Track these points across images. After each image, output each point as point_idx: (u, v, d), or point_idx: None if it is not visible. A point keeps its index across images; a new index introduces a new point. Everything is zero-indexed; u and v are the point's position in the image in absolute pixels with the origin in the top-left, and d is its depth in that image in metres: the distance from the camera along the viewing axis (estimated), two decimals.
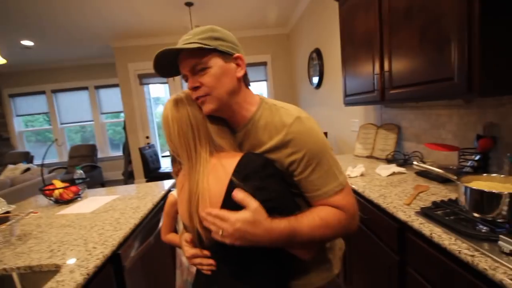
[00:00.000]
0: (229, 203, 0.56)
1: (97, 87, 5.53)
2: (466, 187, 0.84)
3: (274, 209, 0.58)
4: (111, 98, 5.60)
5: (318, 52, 3.15)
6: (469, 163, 1.17)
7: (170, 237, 1.23)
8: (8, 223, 1.05)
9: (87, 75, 5.42)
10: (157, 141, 5.09)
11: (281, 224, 0.56)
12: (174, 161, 1.29)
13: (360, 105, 2.13)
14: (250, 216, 0.54)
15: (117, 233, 1.05)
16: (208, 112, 0.65)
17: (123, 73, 4.55)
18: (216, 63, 0.63)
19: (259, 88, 4.84)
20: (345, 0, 1.80)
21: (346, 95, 1.95)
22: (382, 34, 1.42)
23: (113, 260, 0.96)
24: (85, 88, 5.50)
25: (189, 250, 0.69)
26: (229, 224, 0.54)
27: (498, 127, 1.12)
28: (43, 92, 5.46)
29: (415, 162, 1.12)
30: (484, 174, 0.88)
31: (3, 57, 2.33)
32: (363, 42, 1.62)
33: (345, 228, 0.63)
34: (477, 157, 1.12)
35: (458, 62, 0.96)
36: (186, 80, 0.67)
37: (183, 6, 3.20)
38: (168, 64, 0.67)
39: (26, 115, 5.65)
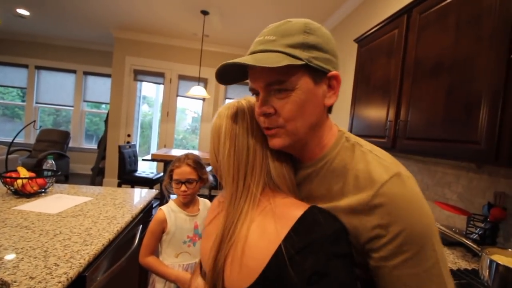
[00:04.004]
0: (270, 280, 0.40)
1: (86, 73, 5.23)
2: (492, 262, 0.78)
3: None
4: (99, 87, 5.30)
5: None
6: (477, 231, 1.13)
7: (150, 261, 1.06)
8: None
9: (78, 58, 5.13)
10: (138, 141, 4.81)
11: None
12: (169, 173, 1.15)
13: None
14: None
15: (86, 249, 0.87)
16: (276, 147, 0.49)
17: (118, 64, 4.34)
18: (303, 84, 0.45)
19: None
20: (366, 43, 1.82)
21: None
22: (402, 83, 1.42)
23: (76, 284, 0.77)
24: (73, 71, 5.18)
25: None
26: None
27: (510, 198, 1.10)
28: (25, 66, 5.06)
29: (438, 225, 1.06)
30: (510, 249, 0.83)
31: None
32: (380, 87, 1.62)
33: None
34: (488, 226, 1.09)
35: (487, 128, 0.94)
36: (254, 94, 0.51)
37: (198, 13, 3.16)
38: (232, 69, 0.50)
39: (1, 86, 5.18)
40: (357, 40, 1.94)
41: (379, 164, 0.45)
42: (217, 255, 0.46)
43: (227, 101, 3.79)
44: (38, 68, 5.10)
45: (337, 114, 2.75)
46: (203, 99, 4.62)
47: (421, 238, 0.40)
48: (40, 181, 1.36)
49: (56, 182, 1.57)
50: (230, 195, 0.49)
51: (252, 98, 0.55)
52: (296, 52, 0.44)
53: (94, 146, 5.38)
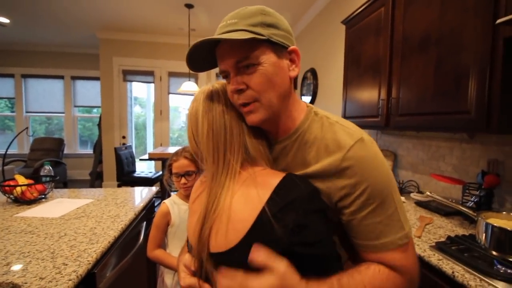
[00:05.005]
0: (256, 236, 0.44)
1: (74, 78, 5.14)
2: (487, 224, 0.81)
3: (312, 258, 0.45)
4: (89, 91, 5.23)
5: (313, 71, 3.18)
6: (472, 199, 1.16)
7: (158, 254, 1.08)
8: None
9: (64, 63, 5.04)
10: (133, 142, 4.79)
11: None
12: (168, 167, 1.16)
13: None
14: (278, 283, 0.40)
15: (93, 247, 0.88)
16: (254, 123, 0.52)
17: (106, 66, 4.28)
18: (268, 58, 0.49)
19: None
20: (354, 24, 1.82)
21: (345, 117, 1.93)
22: (392, 60, 1.42)
23: (86, 282, 0.79)
24: (61, 77, 5.09)
25: (186, 278, 0.55)
26: None
27: (502, 164, 1.13)
28: (11, 75, 4.96)
29: (428, 193, 1.09)
30: (504, 212, 0.86)
31: None
32: (370, 67, 1.62)
33: None
34: (483, 193, 1.12)
35: (476, 97, 0.96)
36: (225, 77, 0.54)
37: (182, 7, 3.10)
38: (201, 56, 0.54)
39: None
40: (344, 22, 1.93)
41: (344, 132, 0.50)
42: (202, 228, 0.48)
43: None
44: (25, 76, 5.00)
45: (330, 99, 2.76)
46: None
47: (383, 191, 0.47)
48: (39, 187, 1.36)
49: (55, 188, 1.56)
50: (211, 173, 0.51)
51: (223, 82, 0.58)
52: (258, 29, 0.48)
53: (89, 151, 5.34)
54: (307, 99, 3.34)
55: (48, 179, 1.47)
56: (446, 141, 1.43)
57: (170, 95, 4.57)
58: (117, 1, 3.06)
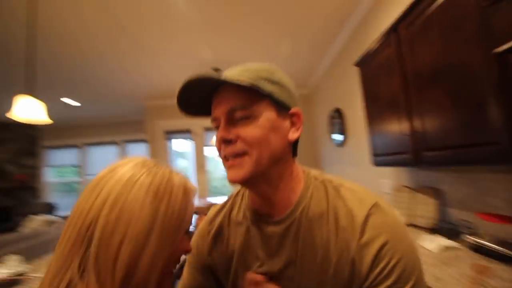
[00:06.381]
0: None
1: (125, 141, 5.85)
2: None
3: None
4: (137, 152, 5.85)
5: (338, 111, 3.20)
6: None
7: None
8: None
9: (116, 130, 5.82)
10: None
11: None
12: (197, 213, 1.21)
13: (393, 167, 2.01)
14: None
15: None
16: (236, 181, 0.45)
17: (151, 129, 4.82)
18: (267, 114, 0.45)
19: None
20: (366, 65, 1.87)
21: (375, 155, 1.86)
22: (408, 96, 1.40)
23: None
24: (114, 142, 5.84)
25: None
26: None
27: None
28: (75, 146, 5.84)
29: (475, 239, 0.96)
30: None
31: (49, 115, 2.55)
32: (389, 103, 1.60)
33: None
34: None
35: (503, 126, 0.88)
36: (216, 127, 0.49)
37: (211, 70, 3.50)
38: (197, 101, 0.49)
39: (58, 166, 5.96)
40: (356, 64, 1.99)
41: (354, 199, 0.45)
42: None
43: None
44: (86, 145, 5.85)
45: (360, 136, 2.70)
46: None
47: (416, 267, 0.41)
48: None
49: None
50: None
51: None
52: (262, 83, 0.45)
53: None
54: (339, 137, 3.30)
55: None
56: (489, 172, 1.28)
57: (206, 147, 4.89)
58: (160, 73, 3.59)
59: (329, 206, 0.46)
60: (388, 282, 0.39)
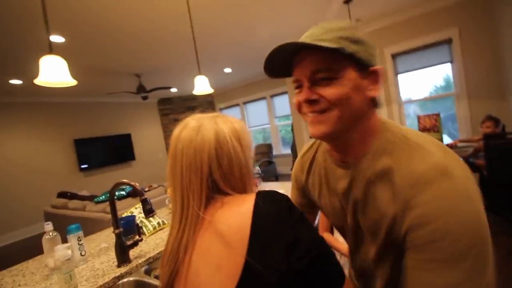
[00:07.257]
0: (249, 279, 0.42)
1: (272, 96, 6.62)
2: None
3: (315, 270, 0.43)
4: (283, 104, 6.51)
5: None
6: None
7: (325, 236, 1.32)
8: None
9: (264, 87, 6.64)
10: None
11: None
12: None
13: None
14: None
15: None
16: (317, 136, 0.49)
17: (290, 81, 5.17)
18: (348, 75, 0.46)
19: (439, 72, 3.90)
20: None
21: None
22: None
23: None
24: (263, 98, 6.75)
25: None
26: None
27: None
28: (237, 105, 7.27)
29: None
30: None
31: (213, 85, 3.36)
32: None
33: None
34: None
35: None
36: (297, 87, 0.51)
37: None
38: (280, 63, 0.52)
39: None
40: None
41: (422, 159, 0.44)
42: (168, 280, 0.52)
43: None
44: (244, 103, 7.13)
45: None
46: None
47: (471, 248, 0.38)
48: (255, 181, 2.06)
49: (268, 181, 2.24)
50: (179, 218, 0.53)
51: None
52: (345, 44, 0.45)
53: (289, 151, 6.60)
54: None
55: (257, 175, 2.18)
56: None
57: None
58: (288, 26, 3.69)
59: (394, 162, 0.47)
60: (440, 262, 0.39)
